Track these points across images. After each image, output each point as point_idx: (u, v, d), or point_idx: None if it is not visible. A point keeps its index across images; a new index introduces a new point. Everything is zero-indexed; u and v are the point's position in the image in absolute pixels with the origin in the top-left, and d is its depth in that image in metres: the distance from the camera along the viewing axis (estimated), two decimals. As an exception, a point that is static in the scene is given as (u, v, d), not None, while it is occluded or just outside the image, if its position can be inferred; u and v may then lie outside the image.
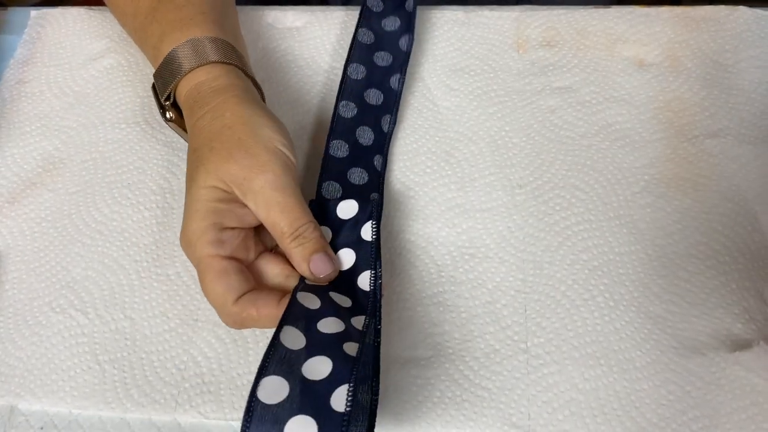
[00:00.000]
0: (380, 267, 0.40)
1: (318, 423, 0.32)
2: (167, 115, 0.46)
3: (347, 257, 0.41)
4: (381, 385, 0.40)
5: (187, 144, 0.47)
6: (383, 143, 0.48)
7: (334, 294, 0.39)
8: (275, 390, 0.33)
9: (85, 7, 0.57)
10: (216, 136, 0.40)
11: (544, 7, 0.55)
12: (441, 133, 0.50)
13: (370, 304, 0.39)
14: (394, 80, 0.51)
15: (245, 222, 0.40)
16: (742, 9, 0.53)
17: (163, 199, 0.48)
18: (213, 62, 0.43)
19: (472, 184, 0.47)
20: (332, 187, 0.45)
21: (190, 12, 0.45)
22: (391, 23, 0.53)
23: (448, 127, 0.50)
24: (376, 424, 0.33)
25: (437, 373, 0.41)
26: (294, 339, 0.35)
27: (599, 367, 0.40)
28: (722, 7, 0.53)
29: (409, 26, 0.52)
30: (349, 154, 0.47)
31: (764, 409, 0.39)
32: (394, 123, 0.49)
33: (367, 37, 0.52)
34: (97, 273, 0.45)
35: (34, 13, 0.57)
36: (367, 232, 0.42)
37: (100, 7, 0.57)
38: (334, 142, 0.48)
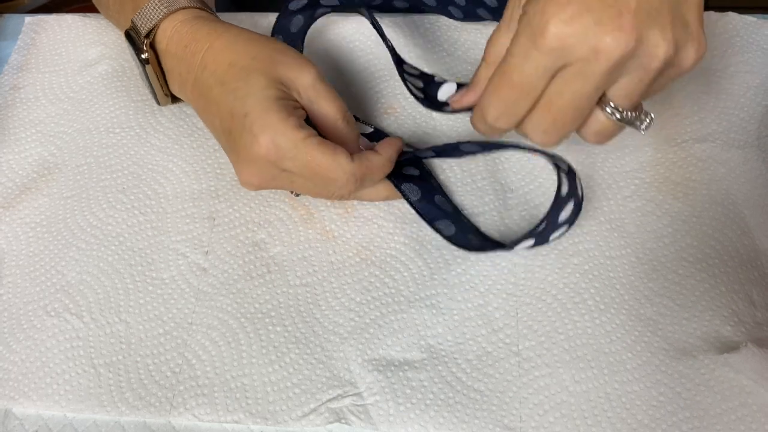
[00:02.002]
0: None
1: None
2: (143, 56, 0.46)
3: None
4: (375, 387, 0.41)
5: (158, 100, 0.50)
6: None
7: None
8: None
9: (80, 14, 0.58)
10: (251, 46, 0.43)
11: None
12: (434, 139, 0.50)
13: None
14: None
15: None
16: (731, 15, 0.53)
17: (158, 203, 0.48)
18: (201, 8, 0.46)
19: (464, 188, 0.48)
20: None
21: None
22: None
23: (441, 133, 0.50)
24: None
25: (430, 375, 0.41)
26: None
27: (590, 369, 0.41)
28: (711, 12, 0.54)
29: None
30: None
31: (753, 410, 0.39)
32: None
33: None
34: (91, 277, 0.45)
35: (28, 19, 0.58)
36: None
37: (95, 14, 0.57)
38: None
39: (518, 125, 0.38)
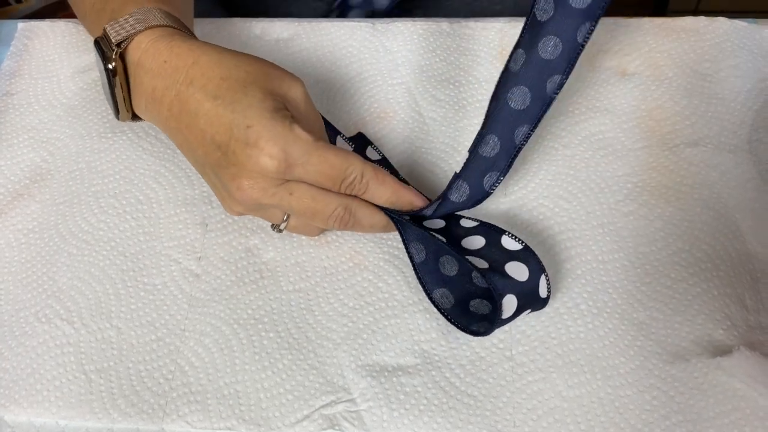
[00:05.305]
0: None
1: None
2: (110, 66, 0.44)
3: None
4: (368, 393, 0.41)
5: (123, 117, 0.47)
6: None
7: None
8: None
9: (74, 20, 0.58)
10: (241, 61, 0.42)
11: (528, 18, 0.55)
12: (427, 144, 0.50)
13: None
14: (551, 84, 0.41)
15: None
16: (721, 20, 0.54)
17: (150, 208, 0.48)
18: (179, 28, 0.45)
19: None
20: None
21: None
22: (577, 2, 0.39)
23: (435, 138, 0.50)
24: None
25: (423, 380, 0.41)
26: None
27: (583, 374, 0.41)
28: (702, 17, 0.54)
29: (590, 12, 0.39)
30: None
31: (746, 414, 0.39)
32: (525, 139, 0.42)
33: (543, 13, 0.40)
34: (83, 282, 0.45)
35: (21, 25, 0.58)
36: (372, 153, 0.49)
37: (88, 20, 0.57)
38: None
39: None
